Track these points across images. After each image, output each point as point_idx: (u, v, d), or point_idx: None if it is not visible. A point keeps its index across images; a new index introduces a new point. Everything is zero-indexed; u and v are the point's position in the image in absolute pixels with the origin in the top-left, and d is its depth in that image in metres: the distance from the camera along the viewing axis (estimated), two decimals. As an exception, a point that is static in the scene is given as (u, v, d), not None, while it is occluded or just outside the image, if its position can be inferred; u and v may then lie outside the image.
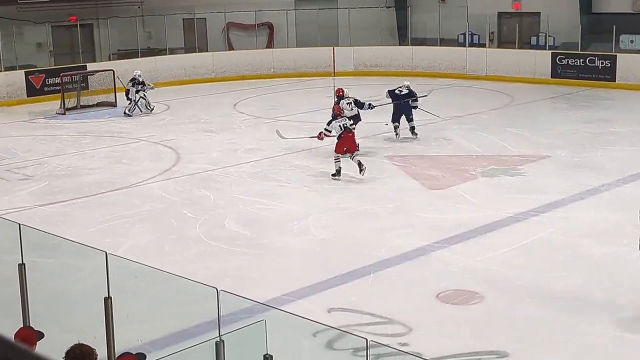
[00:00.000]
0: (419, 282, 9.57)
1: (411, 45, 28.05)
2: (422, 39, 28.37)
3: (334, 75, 27.34)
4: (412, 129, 17.36)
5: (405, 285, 9.55)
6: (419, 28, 28.44)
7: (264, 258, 10.58)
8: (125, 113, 21.47)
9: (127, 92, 21.57)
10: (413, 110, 17.34)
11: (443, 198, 13.12)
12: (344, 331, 7.71)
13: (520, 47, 26.46)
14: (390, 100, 17.46)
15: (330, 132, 14.75)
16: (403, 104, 17.27)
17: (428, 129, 18.43)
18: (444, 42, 27.60)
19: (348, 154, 14.33)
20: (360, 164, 14.12)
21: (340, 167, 14.32)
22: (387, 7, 29.53)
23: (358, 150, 14.80)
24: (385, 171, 14.87)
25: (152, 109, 21.72)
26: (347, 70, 27.60)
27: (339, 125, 14.54)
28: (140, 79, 21.53)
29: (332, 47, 28.25)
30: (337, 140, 14.48)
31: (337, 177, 14.27)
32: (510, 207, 12.35)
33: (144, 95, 21.54)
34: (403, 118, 17.40)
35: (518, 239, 10.99)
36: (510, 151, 16.11)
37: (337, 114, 14.89)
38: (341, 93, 16.47)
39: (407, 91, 17.44)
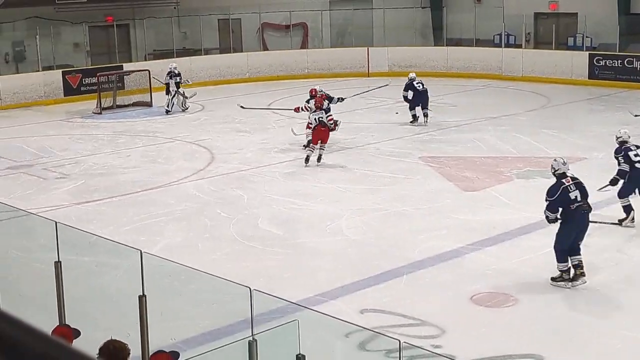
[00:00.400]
0: (452, 284, 9.50)
1: (446, 45, 27.89)
2: (457, 39, 28.21)
3: (368, 76, 27.32)
4: (425, 114, 18.80)
5: (439, 287, 9.49)
6: (455, 28, 28.28)
7: (297, 258, 10.59)
8: (166, 111, 21.67)
9: (167, 87, 21.80)
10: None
11: (477, 200, 13.03)
12: (376, 332, 7.68)
13: (556, 48, 26.19)
14: (410, 93, 18.87)
15: (311, 123, 15.71)
16: (422, 94, 18.87)
17: (463, 130, 18.33)
18: (479, 42, 27.42)
19: (321, 144, 15.39)
20: (320, 158, 15.31)
21: (309, 156, 15.36)
22: (423, 8, 29.41)
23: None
24: (419, 172, 14.81)
25: (186, 109, 21.89)
26: (382, 71, 27.53)
27: (315, 119, 15.53)
28: (177, 71, 21.75)
29: (366, 48, 28.21)
30: (311, 132, 15.57)
31: (307, 164, 15.28)
32: (546, 209, 12.21)
33: (183, 92, 21.78)
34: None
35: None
36: (547, 153, 15.94)
37: (318, 106, 15.81)
38: (314, 92, 17.04)
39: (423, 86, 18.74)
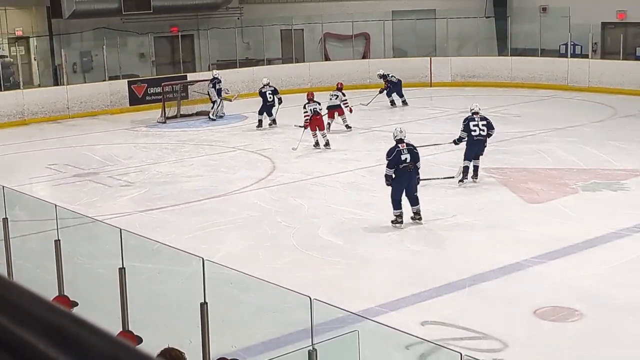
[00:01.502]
0: (515, 297, 9.35)
1: (510, 55, 27.56)
2: (522, 49, 27.85)
3: (431, 86, 27.16)
4: (404, 102, 18.87)
5: (502, 300, 9.35)
6: (519, 38, 27.93)
7: (357, 268, 10.54)
8: (210, 118, 22.14)
9: (217, 93, 22.30)
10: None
11: (542, 212, 12.80)
12: (437, 344, 7.58)
13: (624, 58, 25.64)
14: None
15: (306, 112, 18.01)
16: (397, 84, 20.03)
17: (527, 141, 18.07)
18: (544, 52, 27.02)
19: (320, 132, 17.87)
20: (327, 143, 17.76)
21: (317, 141, 17.82)
22: (487, 17, 29.14)
23: (328, 130, 18.76)
24: (482, 183, 14.62)
25: (222, 116, 22.35)
26: (444, 81, 27.35)
27: (311, 109, 17.90)
28: (219, 78, 22.18)
29: (429, 58, 28.06)
30: (309, 121, 17.84)
31: (319, 148, 17.73)
32: (613, 222, 11.95)
33: (222, 98, 22.36)
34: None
35: (620, 255, 10.62)
36: (613, 165, 15.61)
37: (310, 99, 18.31)
38: (311, 97, 18.67)
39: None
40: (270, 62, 28.75)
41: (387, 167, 12.13)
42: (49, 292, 7.62)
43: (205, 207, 13.72)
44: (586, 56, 26.34)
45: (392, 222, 12.04)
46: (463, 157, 14.37)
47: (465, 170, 14.33)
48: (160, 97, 23.70)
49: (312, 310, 5.48)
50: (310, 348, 5.46)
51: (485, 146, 14.51)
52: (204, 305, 6.34)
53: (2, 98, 23.07)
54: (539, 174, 15.16)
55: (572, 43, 26.60)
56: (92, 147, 19.31)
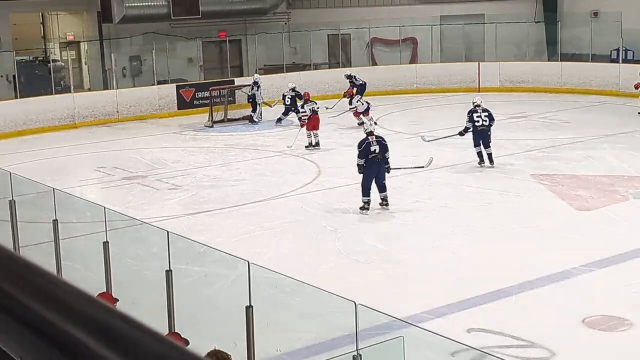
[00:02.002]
0: (563, 306, 9.21)
1: (560, 61, 27.21)
2: (572, 54, 27.47)
3: (479, 91, 26.93)
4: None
5: (550, 308, 9.21)
6: (570, 43, 27.55)
7: (403, 274, 10.49)
8: (253, 121, 22.32)
9: (252, 98, 22.47)
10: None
11: (591, 219, 12.61)
12: (484, 352, 7.50)
13: (678, 63, 25.15)
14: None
15: (305, 112, 18.98)
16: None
17: (577, 147, 17.82)
18: (595, 57, 26.61)
19: (314, 131, 18.53)
20: (318, 143, 18.49)
21: (311, 141, 18.49)
22: (536, 22, 28.83)
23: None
24: (530, 190, 14.46)
25: (259, 121, 22.55)
26: (493, 86, 27.11)
27: (309, 109, 18.79)
28: (260, 82, 22.29)
29: (477, 63, 27.84)
30: (307, 120, 18.68)
31: (310, 148, 18.40)
32: (665, 231, 11.71)
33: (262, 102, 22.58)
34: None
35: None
36: (665, 172, 15.31)
37: (307, 99, 19.41)
38: (308, 97, 19.76)
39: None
40: (316, 67, 28.81)
41: (358, 157, 13.24)
42: (97, 293, 7.71)
43: (251, 210, 13.78)
44: (638, 62, 25.88)
45: (360, 208, 13.07)
46: (473, 145, 16.10)
47: (479, 155, 16.02)
48: (207, 101, 23.90)
49: (356, 315, 5.46)
50: (355, 353, 5.44)
51: (490, 134, 16.07)
52: (249, 309, 6.36)
53: (53, 101, 23.47)
54: (589, 181, 14.93)
55: (624, 48, 26.17)
56: (141, 150, 19.54)
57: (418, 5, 29.70)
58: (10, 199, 9.73)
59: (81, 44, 28.09)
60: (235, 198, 14.57)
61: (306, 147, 18.56)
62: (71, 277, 9.26)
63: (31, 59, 27.16)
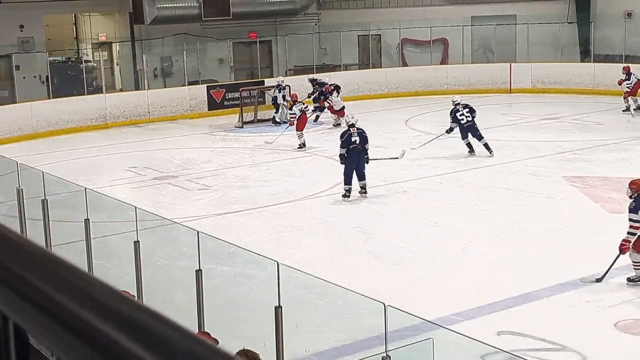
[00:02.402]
0: (596, 309, 9.12)
1: (593, 62, 26.94)
2: (605, 55, 27.18)
3: (510, 92, 26.77)
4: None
5: (581, 311, 9.12)
6: (603, 44, 27.26)
7: (432, 276, 10.44)
8: (276, 122, 22.36)
9: (275, 100, 22.49)
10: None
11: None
12: (514, 355, 7.44)
13: None
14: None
15: (294, 114, 19.53)
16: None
17: (609, 149, 17.63)
18: (629, 58, 26.28)
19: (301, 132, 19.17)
20: (304, 144, 19.04)
21: (304, 141, 19.04)
22: (569, 23, 28.57)
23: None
24: (562, 192, 14.33)
25: (280, 123, 22.60)
26: (524, 87, 26.91)
27: (299, 109, 19.46)
28: (284, 84, 22.53)
29: (509, 64, 27.65)
30: (296, 121, 19.24)
31: (302, 149, 18.90)
32: (699, 234, 11.52)
33: (285, 103, 22.58)
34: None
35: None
36: (700, 175, 15.08)
37: (295, 100, 20.03)
38: (296, 98, 20.34)
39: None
40: (347, 67, 28.80)
41: (340, 147, 14.30)
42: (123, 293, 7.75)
43: (280, 211, 13.80)
44: (672, 63, 25.55)
45: (342, 196, 14.10)
46: (461, 138, 17.41)
47: (468, 145, 17.36)
48: (238, 102, 23.99)
49: (386, 316, 5.44)
50: (384, 354, 5.43)
51: (476, 126, 17.26)
52: (278, 309, 6.37)
53: (85, 102, 23.70)
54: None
55: (659, 49, 25.85)
56: (171, 150, 19.66)
57: (449, 6, 29.58)
58: (43, 198, 9.83)
59: (113, 44, 28.33)
60: (264, 198, 14.60)
61: (298, 147, 19.11)
62: (102, 275, 9.33)
63: (64, 59, 27.47)
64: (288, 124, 20.10)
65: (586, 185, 14.72)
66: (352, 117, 14.75)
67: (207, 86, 25.54)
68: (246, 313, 9.08)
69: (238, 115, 23.23)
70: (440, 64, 29.16)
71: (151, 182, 16.38)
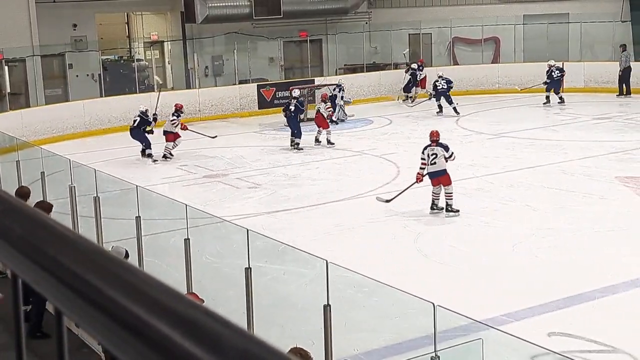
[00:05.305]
0: (649, 312, 8.96)
1: (648, 60, 26.43)
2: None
3: (562, 92, 26.38)
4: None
5: (632, 313, 8.98)
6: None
7: (482, 276, 10.36)
8: (332, 121, 22.35)
9: (334, 99, 22.52)
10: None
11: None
12: (564, 356, 7.34)
13: None
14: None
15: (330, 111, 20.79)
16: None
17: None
18: (684, 57, 25.77)
19: (322, 129, 19.87)
20: (329, 141, 19.69)
21: (317, 137, 19.84)
22: (622, 22, 28.06)
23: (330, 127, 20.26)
24: (614, 192, 14.10)
25: (343, 120, 22.75)
26: (577, 87, 26.49)
27: (323, 108, 20.23)
28: (343, 85, 22.47)
29: (561, 63, 27.23)
30: (316, 120, 20.05)
31: (332, 146, 19.50)
32: None
33: (342, 103, 22.69)
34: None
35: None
36: None
37: (323, 99, 20.59)
38: (325, 98, 20.87)
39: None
40: (397, 66, 28.70)
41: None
42: (179, 290, 7.85)
43: (329, 210, 13.82)
44: None
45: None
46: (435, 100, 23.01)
47: (440, 107, 23.21)
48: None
49: (435, 316, 5.42)
50: (433, 354, 5.41)
51: (449, 96, 22.88)
52: (327, 308, 6.38)
53: (137, 100, 23.98)
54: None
55: None
56: (222, 149, 19.81)
57: (500, 5, 29.28)
58: (95, 195, 9.99)
59: (165, 43, 28.64)
60: (314, 197, 14.63)
61: (328, 144, 19.73)
62: (153, 272, 9.44)
63: (116, 58, 27.86)
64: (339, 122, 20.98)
65: (639, 185, 14.47)
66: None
67: (257, 85, 25.68)
68: (295, 311, 9.12)
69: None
70: (492, 62, 28.89)
71: (201, 180, 16.53)
